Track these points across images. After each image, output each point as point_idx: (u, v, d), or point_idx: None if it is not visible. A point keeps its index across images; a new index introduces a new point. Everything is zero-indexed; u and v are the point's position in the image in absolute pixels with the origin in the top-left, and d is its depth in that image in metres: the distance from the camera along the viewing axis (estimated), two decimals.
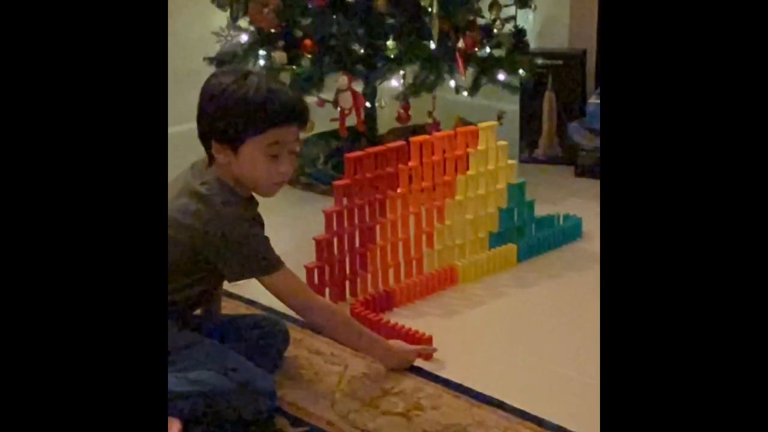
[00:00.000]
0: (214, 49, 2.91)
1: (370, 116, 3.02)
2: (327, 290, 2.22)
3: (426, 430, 1.72)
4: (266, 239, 1.76)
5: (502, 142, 2.43)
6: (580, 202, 2.78)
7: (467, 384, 1.85)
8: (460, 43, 2.84)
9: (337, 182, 2.20)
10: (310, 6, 2.77)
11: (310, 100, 1.96)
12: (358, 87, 2.87)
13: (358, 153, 2.21)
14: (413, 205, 2.30)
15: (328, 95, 2.84)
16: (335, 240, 2.21)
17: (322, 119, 2.77)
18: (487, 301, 2.27)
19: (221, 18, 2.94)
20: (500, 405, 1.78)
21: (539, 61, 3.12)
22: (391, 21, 2.77)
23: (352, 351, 1.95)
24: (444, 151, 2.33)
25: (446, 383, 1.86)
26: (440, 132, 2.41)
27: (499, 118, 2.81)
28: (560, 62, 3.21)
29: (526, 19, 3.15)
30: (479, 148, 2.38)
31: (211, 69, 2.87)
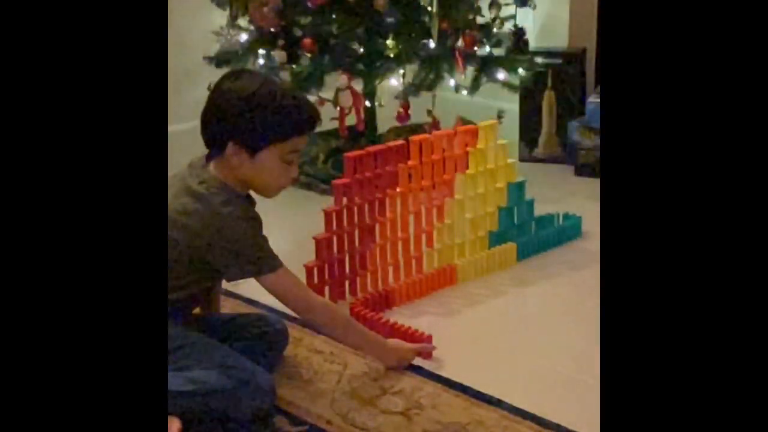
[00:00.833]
0: (213, 48, 2.91)
1: (370, 115, 3.02)
2: (327, 289, 2.22)
3: (425, 429, 1.72)
4: (265, 239, 1.76)
5: (502, 141, 2.43)
6: (580, 201, 2.77)
7: (467, 383, 1.85)
8: (460, 42, 2.84)
9: (336, 181, 2.20)
10: (309, 5, 2.77)
11: (310, 99, 1.97)
12: (358, 86, 2.88)
13: (358, 152, 2.21)
14: (413, 204, 2.30)
15: (327, 94, 2.84)
16: (335, 239, 2.21)
17: (321, 118, 2.77)
18: (487, 300, 2.27)
19: (221, 17, 2.94)
20: (499, 404, 1.78)
21: (539, 60, 3.12)
22: (390, 20, 2.76)
23: (352, 350, 1.95)
24: (444, 150, 2.33)
25: (446, 382, 1.86)
26: (440, 131, 2.41)
27: (499, 117, 2.81)
28: (560, 61, 3.21)
29: (526, 18, 3.15)
30: (479, 147, 2.38)
31: (211, 68, 2.88)
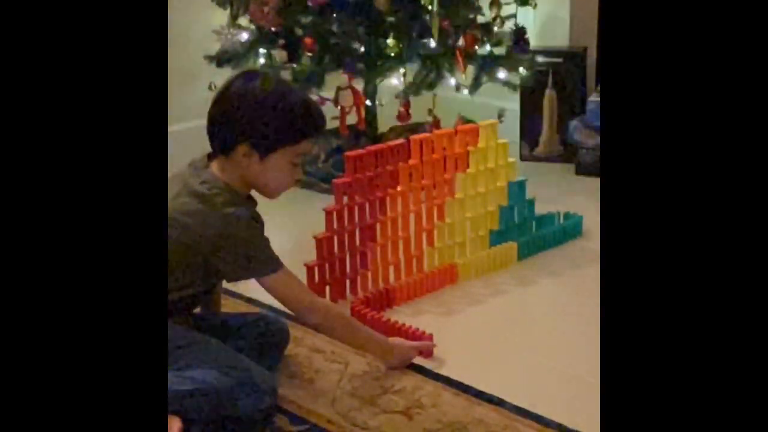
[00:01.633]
0: (214, 48, 2.91)
1: (371, 114, 3.02)
2: (327, 288, 2.23)
3: (426, 428, 1.72)
4: (266, 240, 1.76)
5: (503, 140, 2.43)
6: (581, 200, 2.77)
7: (467, 382, 1.85)
8: (461, 42, 2.83)
9: (337, 180, 2.20)
10: (310, 4, 2.77)
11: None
12: (359, 85, 2.88)
13: (359, 151, 2.21)
14: (413, 203, 2.30)
15: (328, 93, 2.84)
16: (335, 238, 2.21)
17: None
18: (488, 299, 2.27)
19: (221, 16, 2.94)
20: (500, 403, 1.78)
21: (540, 59, 3.12)
22: (391, 19, 2.76)
23: (353, 349, 1.95)
24: (444, 149, 2.33)
25: (446, 381, 1.86)
26: (440, 130, 2.41)
27: (500, 116, 2.80)
28: (560, 60, 3.21)
29: (527, 17, 3.15)
30: (479, 146, 2.38)
31: (211, 68, 2.88)
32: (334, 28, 2.77)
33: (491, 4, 2.95)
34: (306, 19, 2.81)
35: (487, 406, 1.77)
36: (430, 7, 2.74)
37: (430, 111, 3.00)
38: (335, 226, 2.19)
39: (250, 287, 1.86)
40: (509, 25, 3.00)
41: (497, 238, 2.45)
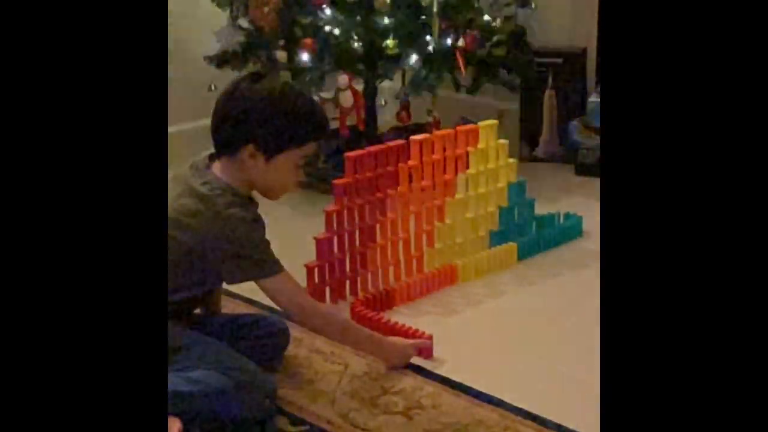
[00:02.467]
0: (214, 48, 2.91)
1: (371, 115, 3.02)
2: (327, 289, 2.23)
3: (426, 429, 1.72)
4: (267, 242, 1.76)
5: (503, 141, 2.43)
6: (581, 201, 2.77)
7: (467, 383, 1.85)
8: (460, 42, 2.83)
9: (337, 181, 2.20)
10: (310, 5, 2.77)
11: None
12: (359, 86, 2.87)
13: (359, 152, 2.21)
14: (413, 203, 2.30)
15: (328, 94, 2.84)
16: (335, 239, 2.21)
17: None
18: (488, 299, 2.27)
19: (221, 17, 2.93)
20: (500, 404, 1.78)
21: (539, 59, 3.12)
22: (391, 19, 2.76)
23: (352, 350, 1.95)
24: (444, 150, 2.33)
25: (446, 382, 1.86)
26: (440, 131, 2.41)
27: (500, 116, 2.80)
28: (560, 60, 3.20)
29: (527, 17, 3.15)
30: (479, 146, 2.38)
31: (211, 68, 2.88)
32: (334, 28, 2.77)
33: (491, 5, 2.95)
34: (305, 20, 2.81)
35: (486, 407, 1.77)
36: (430, 8, 2.74)
37: (430, 111, 3.00)
38: (335, 226, 2.19)
39: (250, 288, 1.86)
40: (509, 26, 3.00)
41: (497, 238, 2.45)
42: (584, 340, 1.94)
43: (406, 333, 2.00)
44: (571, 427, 1.70)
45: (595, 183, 2.72)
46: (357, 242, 2.25)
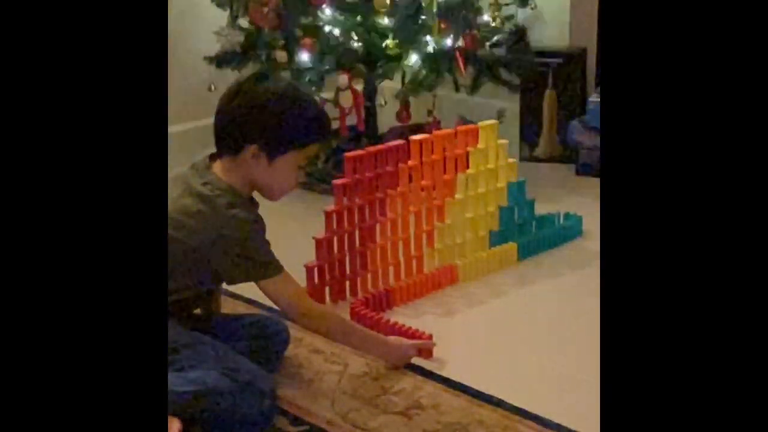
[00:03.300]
0: (214, 48, 2.91)
1: (371, 115, 3.02)
2: (327, 289, 2.22)
3: (426, 429, 1.72)
4: (267, 243, 1.77)
5: (503, 141, 2.43)
6: (581, 201, 2.77)
7: (467, 383, 1.85)
8: (460, 42, 2.83)
9: (337, 181, 2.20)
10: (310, 5, 2.77)
11: None
12: (358, 86, 2.87)
13: (358, 152, 2.21)
14: (413, 203, 2.30)
15: (328, 94, 2.84)
16: (335, 239, 2.21)
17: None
18: (488, 300, 2.27)
19: (221, 17, 2.94)
20: (500, 404, 1.78)
21: (539, 59, 3.12)
22: (391, 19, 2.76)
23: (352, 350, 1.95)
24: (444, 150, 2.33)
25: (446, 382, 1.86)
26: (440, 131, 2.41)
27: (500, 116, 2.80)
28: (560, 60, 3.21)
29: (527, 17, 3.15)
30: (479, 146, 2.38)
31: (212, 68, 2.88)
32: (334, 28, 2.77)
33: (491, 5, 2.95)
34: (305, 20, 2.81)
35: (486, 407, 1.77)
36: (430, 8, 2.74)
37: (430, 111, 3.00)
38: (335, 227, 2.19)
39: (250, 288, 1.86)
40: (509, 26, 3.00)
41: (497, 238, 2.45)
42: (584, 340, 1.95)
43: (406, 333, 2.00)
44: (571, 427, 1.70)
45: (596, 183, 2.74)
46: (357, 242, 2.25)
